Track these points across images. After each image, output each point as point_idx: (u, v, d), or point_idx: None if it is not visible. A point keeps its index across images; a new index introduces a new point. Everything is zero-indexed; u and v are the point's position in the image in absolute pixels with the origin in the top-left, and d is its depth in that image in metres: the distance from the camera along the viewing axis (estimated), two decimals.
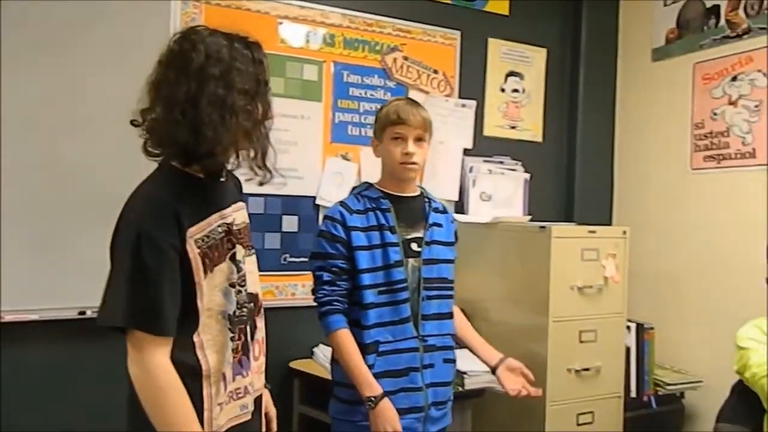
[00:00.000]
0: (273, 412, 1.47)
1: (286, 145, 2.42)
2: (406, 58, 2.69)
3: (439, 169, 2.74)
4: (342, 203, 1.70)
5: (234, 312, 1.21)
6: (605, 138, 3.21)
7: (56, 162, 2.02)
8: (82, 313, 2.04)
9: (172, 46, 1.16)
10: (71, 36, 2.04)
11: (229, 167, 1.27)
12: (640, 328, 2.54)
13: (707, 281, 2.70)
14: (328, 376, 2.19)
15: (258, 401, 1.32)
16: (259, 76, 1.18)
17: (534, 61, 3.04)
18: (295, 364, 2.37)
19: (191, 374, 1.14)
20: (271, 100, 1.22)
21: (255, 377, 1.29)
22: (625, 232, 2.42)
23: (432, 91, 2.75)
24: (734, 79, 2.62)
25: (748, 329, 1.89)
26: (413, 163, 1.67)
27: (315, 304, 1.68)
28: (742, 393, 1.97)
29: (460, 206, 2.80)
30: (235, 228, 1.24)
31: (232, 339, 1.21)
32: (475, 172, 2.81)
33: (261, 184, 1.25)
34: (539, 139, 3.06)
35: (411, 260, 1.66)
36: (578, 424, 2.30)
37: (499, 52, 2.94)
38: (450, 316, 1.75)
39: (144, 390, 1.09)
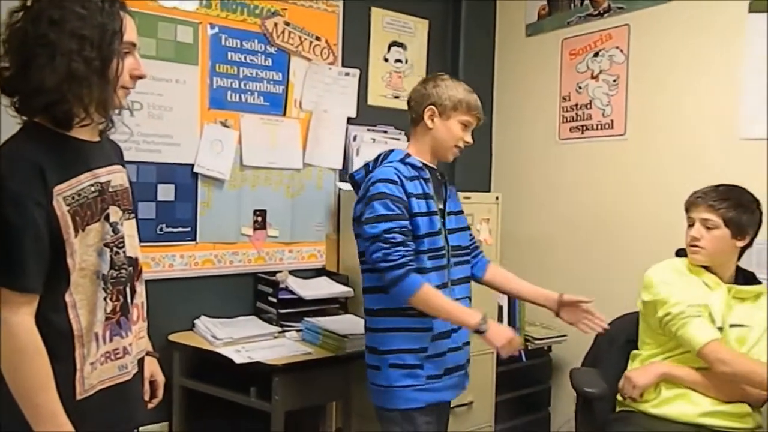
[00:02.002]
0: (161, 379, 1.50)
1: (160, 110, 2.32)
2: (287, 24, 2.63)
3: (323, 137, 2.74)
4: (394, 168, 1.69)
5: (109, 272, 1.21)
6: (484, 109, 3.30)
7: None
8: None
9: None
10: None
11: (101, 127, 1.26)
12: None
13: (573, 242, 2.92)
14: (210, 348, 2.18)
15: (140, 364, 1.33)
16: (106, 25, 1.15)
17: (416, 32, 3.09)
18: (174, 337, 2.31)
19: (61, 334, 1.14)
20: (119, 51, 1.19)
21: (135, 340, 1.29)
22: (497, 198, 2.55)
23: (315, 59, 2.72)
24: (596, 54, 2.82)
25: (664, 271, 1.97)
26: (461, 150, 1.79)
27: (385, 265, 1.59)
28: (603, 342, 2.17)
29: (345, 174, 2.81)
30: (111, 189, 1.24)
31: (107, 299, 1.21)
32: (359, 141, 2.84)
33: (101, 133, 1.26)
34: None
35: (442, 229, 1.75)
36: None
37: (382, 22, 2.96)
38: (468, 279, 1.86)
39: (1, 349, 1.07)
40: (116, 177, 1.27)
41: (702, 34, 2.45)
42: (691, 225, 1.91)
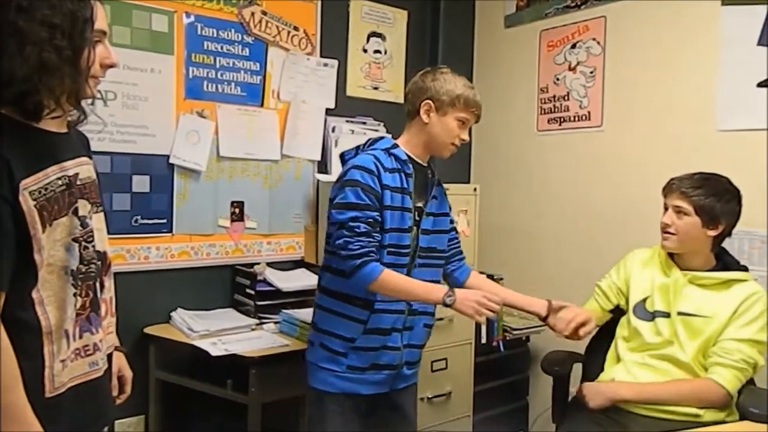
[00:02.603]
0: (129, 374, 1.47)
1: (135, 100, 2.29)
2: (264, 13, 2.61)
3: (301, 128, 2.72)
4: (374, 156, 1.65)
5: (78, 268, 1.18)
6: None
7: None
8: None
9: None
10: None
11: (71, 118, 1.23)
12: (491, 279, 2.69)
13: (551, 233, 2.94)
14: (186, 341, 2.16)
15: (109, 360, 1.31)
16: (77, 12, 1.12)
17: (396, 22, 3.08)
18: (150, 330, 2.29)
19: (30, 331, 1.11)
20: (90, 39, 1.15)
21: (104, 336, 1.27)
22: (475, 189, 2.56)
23: (293, 49, 2.70)
24: (573, 46, 2.83)
25: (631, 255, 2.07)
26: (457, 148, 1.76)
27: (345, 253, 1.59)
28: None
29: (323, 166, 2.81)
30: (78, 182, 1.20)
31: (76, 295, 1.18)
32: (338, 132, 2.82)
33: (75, 124, 1.23)
34: (401, 100, 3.11)
35: (414, 228, 1.72)
36: (432, 371, 2.44)
37: (361, 12, 2.94)
38: (437, 283, 1.80)
39: None
40: (84, 169, 1.24)
41: (678, 25, 2.47)
42: (665, 211, 1.91)
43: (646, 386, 1.83)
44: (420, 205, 1.75)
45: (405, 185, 1.70)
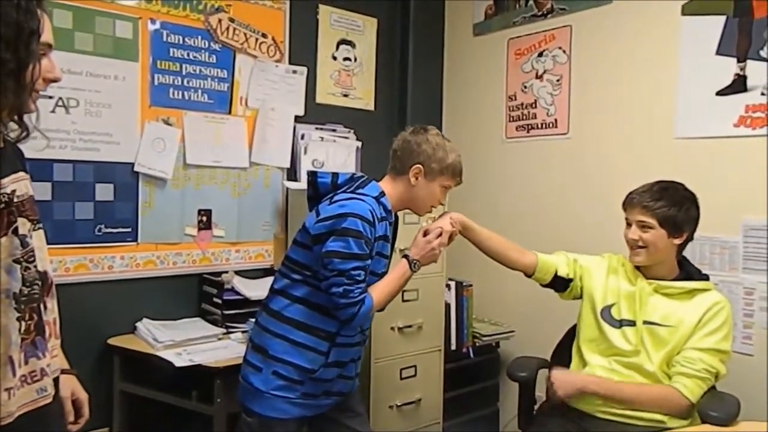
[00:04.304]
0: (83, 396, 1.40)
1: (98, 107, 2.25)
2: (232, 20, 2.59)
3: (270, 136, 2.71)
4: (371, 207, 1.65)
5: (21, 290, 1.11)
6: (434, 108, 3.37)
7: None
8: None
9: None
10: None
11: (13, 135, 1.14)
12: (460, 286, 2.73)
13: (519, 239, 2.94)
14: (151, 351, 2.13)
15: (56, 384, 1.24)
16: (23, 24, 1.06)
17: (365, 30, 3.09)
18: (114, 341, 2.25)
19: None
20: (35, 52, 1.09)
21: (51, 360, 1.21)
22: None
23: (261, 56, 2.69)
24: (540, 55, 2.87)
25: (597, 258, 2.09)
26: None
27: (345, 302, 1.61)
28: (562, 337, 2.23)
29: (292, 173, 2.79)
30: (16, 199, 1.13)
31: (20, 319, 1.11)
32: (307, 140, 2.82)
33: (16, 141, 1.15)
34: (371, 107, 3.13)
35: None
36: (401, 378, 2.44)
37: (330, 19, 2.94)
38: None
39: None
40: (21, 185, 1.16)
41: (639, 35, 2.52)
42: (628, 225, 1.93)
43: (614, 384, 1.85)
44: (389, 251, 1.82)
45: (388, 233, 1.75)
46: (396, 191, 1.77)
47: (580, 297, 2.06)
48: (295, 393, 1.67)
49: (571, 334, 2.14)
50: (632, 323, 1.89)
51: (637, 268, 1.95)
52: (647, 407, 1.82)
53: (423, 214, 1.85)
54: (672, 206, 1.85)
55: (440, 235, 1.81)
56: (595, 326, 1.97)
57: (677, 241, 1.88)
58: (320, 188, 1.76)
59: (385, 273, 1.77)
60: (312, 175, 1.79)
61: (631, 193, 1.94)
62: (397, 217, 1.87)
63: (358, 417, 1.87)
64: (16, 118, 1.10)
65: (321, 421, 1.79)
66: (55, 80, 1.17)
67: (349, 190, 1.70)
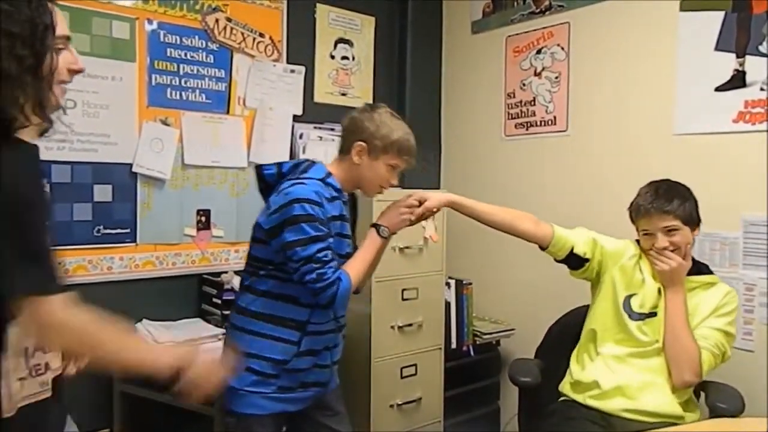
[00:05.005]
0: None
1: (96, 108, 2.25)
2: (229, 20, 2.59)
3: (269, 135, 2.71)
4: (315, 189, 1.61)
5: None
6: (433, 107, 3.36)
7: None
8: None
9: None
10: None
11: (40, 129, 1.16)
12: (459, 284, 2.72)
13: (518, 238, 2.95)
14: None
15: (56, 382, 1.25)
16: (36, 19, 1.08)
17: (363, 29, 3.08)
18: None
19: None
20: (51, 45, 1.11)
21: (52, 356, 1.23)
22: None
23: (258, 56, 2.68)
24: (539, 52, 2.86)
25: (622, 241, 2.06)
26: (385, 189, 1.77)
27: (321, 285, 1.57)
28: (554, 336, 2.22)
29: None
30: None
31: None
32: (305, 139, 2.81)
33: (42, 134, 1.16)
34: None
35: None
36: (402, 377, 2.43)
37: (328, 18, 2.94)
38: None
39: None
40: None
41: (638, 31, 2.51)
42: (647, 234, 1.90)
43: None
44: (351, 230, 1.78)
45: (344, 212, 1.70)
46: (342, 171, 1.72)
47: (593, 279, 2.05)
48: (271, 387, 1.65)
49: (567, 333, 2.14)
50: (653, 315, 1.90)
51: None
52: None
53: (372, 194, 1.79)
54: (685, 201, 1.88)
55: (413, 206, 1.79)
56: (613, 314, 1.96)
57: (697, 233, 1.91)
58: (268, 180, 1.74)
59: (350, 254, 1.73)
60: (258, 168, 1.76)
61: (639, 204, 1.91)
62: (354, 197, 1.84)
63: (337, 416, 1.84)
64: (39, 112, 1.11)
65: (299, 420, 1.77)
66: (79, 71, 1.20)
67: (293, 177, 1.66)
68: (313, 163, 1.73)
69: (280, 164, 1.75)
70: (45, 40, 1.10)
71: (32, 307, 1.06)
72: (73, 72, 1.19)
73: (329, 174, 1.70)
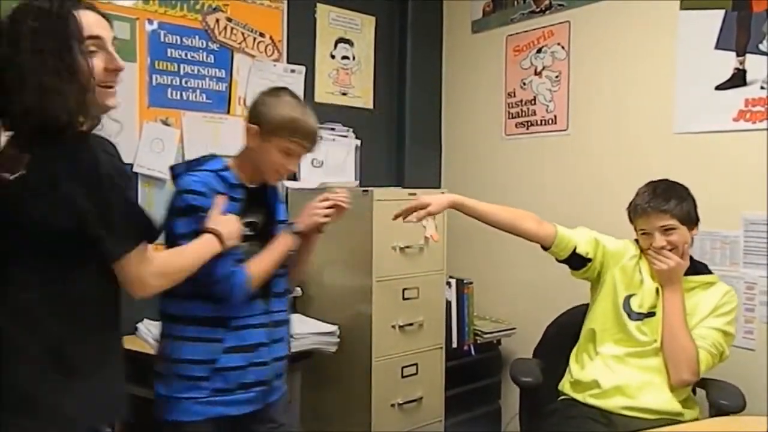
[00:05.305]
0: None
1: None
2: (229, 20, 2.59)
3: None
4: (202, 179, 1.56)
5: None
6: (433, 106, 3.37)
7: None
8: None
9: None
10: None
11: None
12: (460, 283, 2.73)
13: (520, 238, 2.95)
14: (153, 352, 2.12)
15: None
16: (60, 30, 1.15)
17: (363, 28, 3.08)
18: None
19: None
20: (80, 50, 1.17)
21: None
22: (443, 194, 2.56)
23: (259, 55, 2.68)
24: (539, 51, 2.86)
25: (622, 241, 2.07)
26: (284, 176, 1.68)
27: (213, 279, 1.52)
28: (552, 334, 2.23)
29: (292, 173, 2.79)
30: None
31: None
32: None
33: (90, 130, 1.20)
34: (370, 106, 3.13)
35: (246, 245, 1.63)
36: (403, 377, 2.43)
37: (328, 18, 2.94)
38: (289, 292, 1.79)
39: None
40: None
41: (638, 30, 2.51)
42: (645, 234, 1.92)
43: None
44: (253, 219, 1.67)
45: (234, 210, 1.59)
46: (240, 160, 1.65)
47: (594, 279, 2.05)
48: (204, 391, 1.58)
49: (564, 334, 2.14)
50: (652, 314, 1.90)
51: None
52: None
53: (273, 180, 1.68)
54: (683, 201, 1.88)
55: (331, 207, 1.76)
56: (613, 314, 1.97)
57: (695, 233, 1.92)
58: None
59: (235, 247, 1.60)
60: (171, 169, 1.71)
61: (637, 204, 1.92)
62: (275, 189, 1.74)
63: (281, 427, 1.74)
64: (84, 115, 1.18)
65: (252, 424, 1.69)
66: (117, 69, 1.24)
67: (188, 171, 1.61)
68: (214, 156, 1.67)
69: (188, 162, 1.70)
70: (72, 49, 1.15)
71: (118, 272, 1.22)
72: (113, 71, 1.23)
73: (226, 168, 1.62)
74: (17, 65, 1.12)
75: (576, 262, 2.02)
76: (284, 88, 1.68)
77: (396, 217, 1.92)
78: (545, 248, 2.03)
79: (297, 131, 1.60)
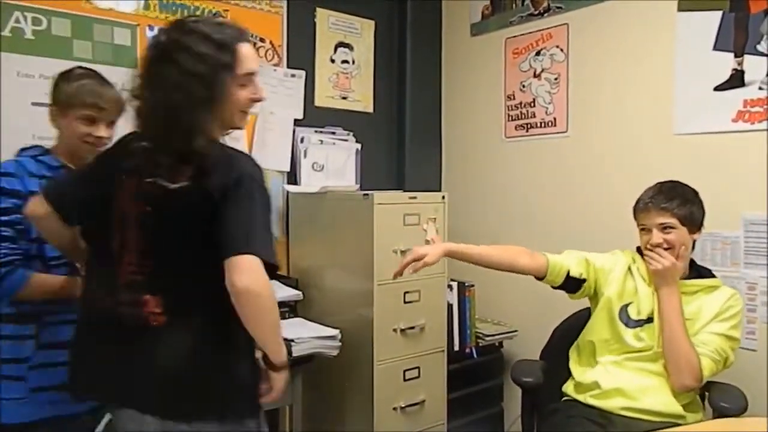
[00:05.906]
0: None
1: None
2: None
3: (270, 140, 2.72)
4: (17, 161, 1.60)
5: None
6: (433, 109, 3.37)
7: None
8: None
9: None
10: None
11: None
12: (462, 286, 2.73)
13: (520, 239, 2.94)
14: None
15: None
16: (216, 61, 1.25)
17: (363, 32, 3.09)
18: None
19: None
20: (228, 82, 1.29)
21: None
22: (444, 197, 2.57)
23: (259, 60, 2.69)
24: (538, 53, 2.87)
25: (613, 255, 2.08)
26: (97, 144, 1.66)
27: None
28: (557, 338, 2.23)
29: (293, 177, 2.80)
30: None
31: None
32: (307, 143, 2.82)
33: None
34: (370, 109, 3.14)
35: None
36: (405, 380, 2.43)
37: (328, 23, 2.95)
38: None
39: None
40: None
41: (636, 32, 2.52)
42: (644, 230, 1.92)
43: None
44: None
45: None
46: (58, 143, 1.68)
47: (592, 296, 2.07)
48: (23, 390, 1.54)
49: (568, 335, 2.15)
50: (650, 321, 1.90)
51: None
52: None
53: (83, 154, 1.65)
54: (687, 202, 1.88)
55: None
56: (609, 327, 1.97)
57: (696, 236, 1.91)
58: None
59: (55, 257, 1.60)
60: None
61: (642, 199, 1.93)
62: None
63: None
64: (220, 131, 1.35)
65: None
66: (258, 100, 1.38)
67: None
68: (36, 145, 1.69)
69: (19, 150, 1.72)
70: (223, 80, 1.26)
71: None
72: (254, 101, 1.36)
73: (46, 152, 1.66)
74: (175, 84, 1.22)
75: (571, 285, 2.04)
76: (75, 67, 1.72)
77: (396, 275, 1.96)
78: (539, 278, 2.04)
79: (85, 95, 1.63)
